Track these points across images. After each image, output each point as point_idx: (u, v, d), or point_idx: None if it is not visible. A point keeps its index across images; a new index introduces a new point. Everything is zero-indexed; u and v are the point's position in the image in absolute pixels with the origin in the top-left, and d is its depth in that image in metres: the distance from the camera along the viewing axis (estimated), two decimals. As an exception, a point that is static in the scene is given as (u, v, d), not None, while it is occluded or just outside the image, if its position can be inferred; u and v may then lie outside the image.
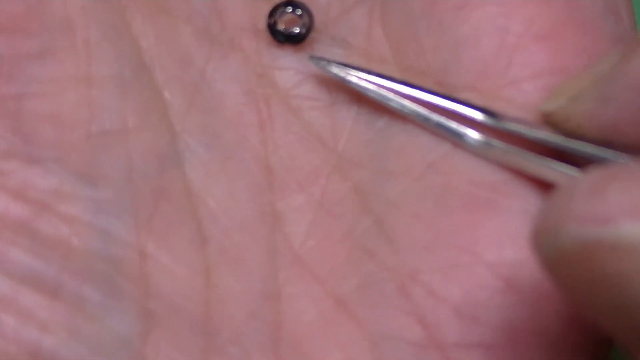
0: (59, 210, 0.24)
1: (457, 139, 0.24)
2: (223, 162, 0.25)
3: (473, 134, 0.24)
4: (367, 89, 0.25)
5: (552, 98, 0.23)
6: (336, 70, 0.25)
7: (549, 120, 0.23)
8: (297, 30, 0.26)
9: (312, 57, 0.26)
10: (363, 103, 0.26)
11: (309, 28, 0.26)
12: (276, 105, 0.26)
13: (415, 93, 0.25)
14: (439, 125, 0.24)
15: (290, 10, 0.26)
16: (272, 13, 0.26)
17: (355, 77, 0.25)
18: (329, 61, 0.25)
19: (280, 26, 0.26)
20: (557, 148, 0.23)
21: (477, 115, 0.24)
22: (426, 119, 0.25)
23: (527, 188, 0.24)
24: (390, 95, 0.25)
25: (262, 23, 0.26)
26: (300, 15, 0.26)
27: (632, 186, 0.18)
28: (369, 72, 0.25)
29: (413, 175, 0.25)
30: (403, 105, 0.25)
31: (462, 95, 0.25)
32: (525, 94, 0.24)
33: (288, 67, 0.26)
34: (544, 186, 0.24)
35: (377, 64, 0.26)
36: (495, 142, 0.24)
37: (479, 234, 0.24)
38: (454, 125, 0.24)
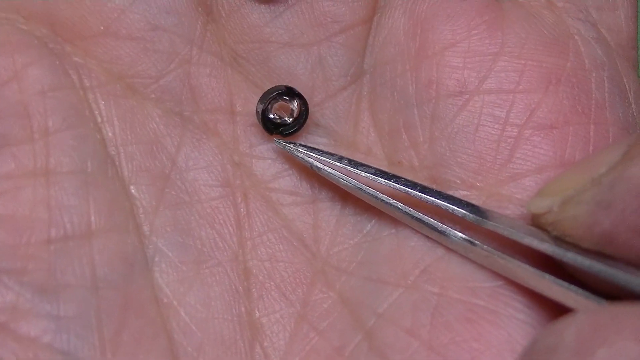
0: (17, 331, 0.21)
1: (438, 237, 0.22)
2: (196, 265, 0.23)
3: (455, 233, 0.22)
4: (336, 177, 0.23)
5: (542, 197, 0.22)
6: (302, 155, 0.23)
7: (536, 222, 0.22)
8: (290, 120, 0.23)
9: (278, 142, 0.23)
10: (348, 201, 0.24)
11: (303, 118, 0.23)
12: (254, 199, 0.24)
13: (393, 184, 0.23)
14: (419, 221, 0.22)
15: (284, 97, 0.23)
16: (264, 99, 0.23)
17: (325, 164, 0.23)
18: (295, 144, 0.23)
19: (271, 114, 0.23)
20: (548, 255, 0.22)
21: (462, 213, 0.22)
22: (405, 214, 0.23)
23: (527, 293, 0.22)
24: (363, 186, 0.23)
25: (240, 105, 0.24)
26: (292, 103, 0.23)
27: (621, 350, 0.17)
28: (340, 158, 0.23)
29: (406, 283, 0.23)
30: (377, 197, 0.23)
31: (458, 193, 0.23)
32: (526, 191, 0.22)
33: (267, 156, 0.24)
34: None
35: (362, 156, 0.24)
36: (479, 243, 0.22)
37: (480, 350, 0.22)
38: (434, 221, 0.22)
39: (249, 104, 0.24)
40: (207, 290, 0.23)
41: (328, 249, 0.23)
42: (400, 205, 0.23)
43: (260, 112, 0.24)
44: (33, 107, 0.22)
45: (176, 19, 0.24)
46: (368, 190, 0.23)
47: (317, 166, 0.23)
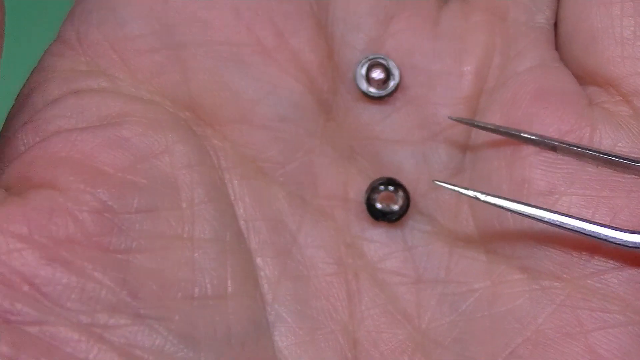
0: None
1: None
2: (312, 331, 0.25)
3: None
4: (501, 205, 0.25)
5: None
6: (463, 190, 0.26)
7: None
8: (395, 208, 0.26)
9: (437, 182, 0.26)
10: (448, 282, 0.26)
11: (405, 208, 0.26)
12: (364, 277, 0.26)
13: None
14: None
15: (389, 188, 0.26)
16: (370, 189, 0.26)
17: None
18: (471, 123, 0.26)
19: (377, 203, 0.26)
20: None
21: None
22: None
23: None
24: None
25: (354, 193, 0.27)
26: (396, 193, 0.26)
27: None
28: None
29: None
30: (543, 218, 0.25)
31: (544, 283, 0.25)
32: (608, 286, 0.25)
33: (376, 239, 0.27)
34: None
35: (462, 244, 0.26)
36: None
37: None
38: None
39: (361, 193, 0.27)
40: (320, 354, 0.25)
41: (428, 323, 0.26)
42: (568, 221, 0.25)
43: (366, 201, 0.27)
44: (181, 179, 0.25)
45: (302, 114, 0.27)
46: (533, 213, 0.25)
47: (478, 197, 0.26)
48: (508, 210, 0.25)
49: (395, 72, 0.27)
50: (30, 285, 0.22)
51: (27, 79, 0.27)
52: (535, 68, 0.27)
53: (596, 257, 0.25)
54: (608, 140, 0.26)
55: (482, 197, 0.25)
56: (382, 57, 0.27)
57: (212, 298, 0.24)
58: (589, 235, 0.25)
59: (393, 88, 0.27)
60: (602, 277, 0.25)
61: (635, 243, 0.24)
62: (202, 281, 0.24)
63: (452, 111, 0.27)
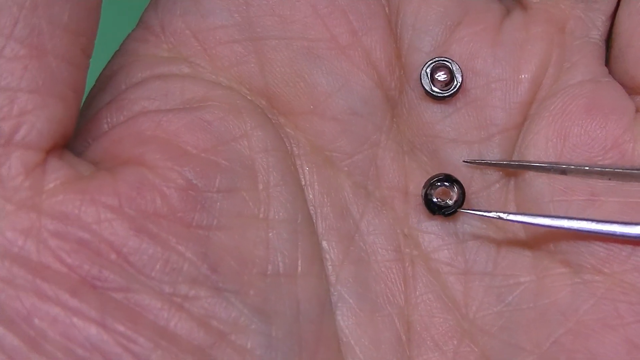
0: (235, 342, 0.25)
1: None
2: (371, 313, 0.27)
3: None
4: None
5: None
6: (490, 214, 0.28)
7: None
8: (450, 202, 0.28)
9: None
10: (495, 275, 0.28)
11: (460, 203, 0.28)
12: (419, 265, 0.28)
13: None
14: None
15: (445, 184, 0.28)
16: (428, 184, 0.28)
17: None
18: (484, 163, 0.28)
19: (434, 197, 0.28)
20: None
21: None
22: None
23: None
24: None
25: (413, 187, 0.29)
26: (452, 189, 0.28)
27: None
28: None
29: (540, 351, 0.27)
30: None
31: (586, 277, 0.27)
32: None
33: (430, 231, 0.28)
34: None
35: (510, 239, 0.28)
36: None
37: None
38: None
39: (420, 186, 0.28)
40: (378, 335, 0.27)
41: (475, 312, 0.28)
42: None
43: (424, 195, 0.28)
44: (258, 162, 0.26)
45: (371, 109, 0.28)
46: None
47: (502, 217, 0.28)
48: (532, 224, 0.27)
49: (458, 75, 0.28)
50: (118, 254, 0.24)
51: (109, 62, 0.28)
52: (587, 82, 0.28)
53: (636, 254, 0.27)
54: None
55: (505, 216, 0.27)
56: (447, 59, 0.28)
57: (284, 276, 0.26)
58: (619, 236, 0.27)
59: (455, 89, 0.28)
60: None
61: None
62: (275, 260, 0.26)
63: (507, 114, 0.28)
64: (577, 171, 0.27)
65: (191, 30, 0.28)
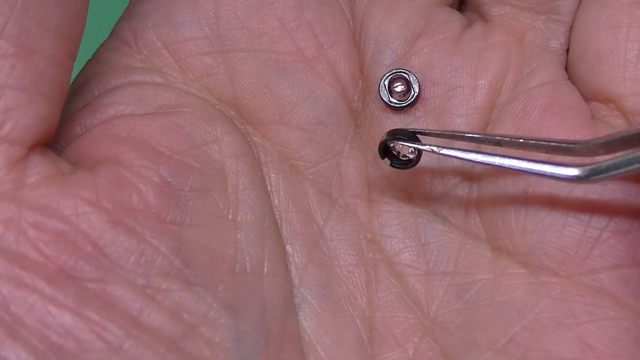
0: (205, 334, 0.25)
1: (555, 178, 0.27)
2: (333, 314, 0.28)
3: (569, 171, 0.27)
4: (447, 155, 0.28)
5: None
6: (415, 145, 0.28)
7: None
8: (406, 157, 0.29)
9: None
10: (455, 274, 0.29)
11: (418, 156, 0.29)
12: (381, 268, 0.29)
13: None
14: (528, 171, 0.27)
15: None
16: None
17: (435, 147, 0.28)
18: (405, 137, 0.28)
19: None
20: None
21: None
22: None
23: None
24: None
25: (376, 194, 0.30)
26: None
27: None
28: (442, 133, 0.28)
29: (495, 348, 0.28)
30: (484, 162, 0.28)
31: (542, 278, 0.28)
32: (602, 283, 0.27)
33: (393, 235, 0.29)
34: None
35: (472, 241, 0.29)
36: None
37: None
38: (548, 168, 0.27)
39: (383, 195, 0.29)
40: (340, 335, 0.28)
41: (436, 310, 0.28)
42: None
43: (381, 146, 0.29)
44: (228, 167, 0.27)
45: (335, 120, 0.29)
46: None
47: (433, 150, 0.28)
48: (463, 159, 0.28)
49: (415, 85, 0.29)
50: (94, 246, 0.25)
51: (82, 69, 0.29)
52: (546, 84, 0.29)
53: (592, 257, 0.27)
54: None
55: (437, 149, 0.28)
56: (405, 70, 0.29)
57: (251, 275, 0.27)
58: (528, 171, 0.27)
59: (412, 99, 0.29)
60: (596, 275, 0.27)
61: (570, 176, 0.27)
62: (243, 259, 0.27)
63: (467, 121, 0.29)
64: (511, 143, 0.28)
65: (163, 42, 0.29)
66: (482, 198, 0.29)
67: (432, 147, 0.28)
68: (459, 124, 0.29)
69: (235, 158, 0.27)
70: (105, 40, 0.30)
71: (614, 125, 0.28)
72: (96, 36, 0.30)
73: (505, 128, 0.29)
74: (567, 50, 0.30)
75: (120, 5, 0.31)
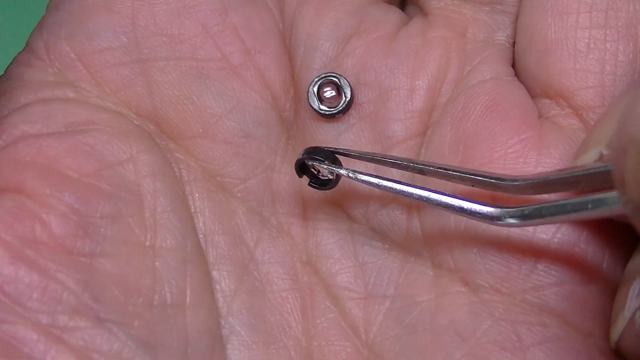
0: None
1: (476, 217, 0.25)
2: (265, 346, 0.26)
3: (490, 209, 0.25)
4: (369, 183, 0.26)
5: (584, 154, 0.24)
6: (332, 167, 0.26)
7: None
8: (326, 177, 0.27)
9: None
10: (396, 297, 0.27)
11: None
12: (317, 292, 0.27)
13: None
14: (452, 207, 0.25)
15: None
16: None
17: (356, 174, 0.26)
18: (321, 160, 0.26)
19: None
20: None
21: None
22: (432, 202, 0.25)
23: None
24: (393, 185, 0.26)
25: (311, 211, 0.28)
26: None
27: None
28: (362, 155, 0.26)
29: None
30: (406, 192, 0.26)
31: (484, 297, 0.26)
32: (547, 301, 0.25)
33: (329, 255, 0.27)
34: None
35: (413, 259, 0.27)
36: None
37: None
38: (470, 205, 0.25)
39: (319, 212, 0.27)
40: None
41: (374, 337, 0.27)
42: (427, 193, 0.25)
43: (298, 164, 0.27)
44: (145, 187, 0.25)
45: (265, 131, 0.27)
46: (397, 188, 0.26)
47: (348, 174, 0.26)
48: (379, 187, 0.26)
49: (347, 89, 0.27)
50: None
51: (-5, 87, 0.27)
52: (487, 81, 0.27)
53: (536, 272, 0.25)
54: (557, 152, 0.26)
55: (353, 175, 0.26)
56: (335, 74, 0.27)
57: (172, 307, 0.25)
58: (450, 208, 0.25)
59: (344, 105, 0.27)
60: (541, 292, 0.25)
61: (489, 217, 0.25)
62: (162, 290, 0.25)
63: (404, 125, 0.27)
64: (435, 173, 0.26)
65: (76, 53, 0.27)
66: (423, 211, 0.27)
67: (348, 172, 0.26)
68: (396, 129, 0.27)
69: (152, 177, 0.26)
70: (18, 54, 0.28)
71: (564, 125, 0.26)
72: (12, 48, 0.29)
73: (445, 131, 0.27)
74: (514, 43, 0.28)
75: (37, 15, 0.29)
